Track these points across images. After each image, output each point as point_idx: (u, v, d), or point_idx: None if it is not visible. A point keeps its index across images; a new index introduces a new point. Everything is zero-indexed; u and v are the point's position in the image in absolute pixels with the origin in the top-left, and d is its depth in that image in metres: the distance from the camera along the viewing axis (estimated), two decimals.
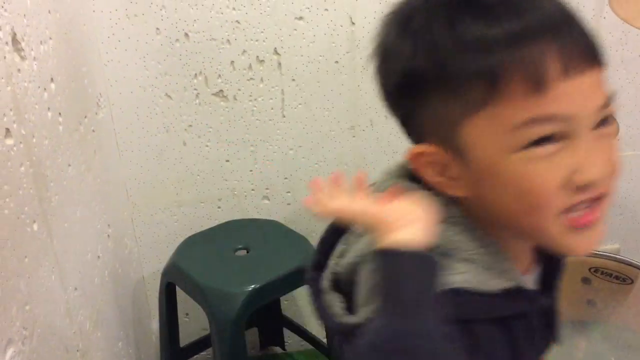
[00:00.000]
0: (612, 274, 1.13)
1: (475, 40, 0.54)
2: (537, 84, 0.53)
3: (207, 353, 1.83)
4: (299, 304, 1.88)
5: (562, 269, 0.69)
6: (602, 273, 1.15)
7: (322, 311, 0.64)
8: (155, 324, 1.76)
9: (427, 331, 0.52)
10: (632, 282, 1.11)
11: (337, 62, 1.60)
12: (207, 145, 1.66)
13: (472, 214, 0.61)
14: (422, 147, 0.60)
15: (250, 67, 1.58)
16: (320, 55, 1.59)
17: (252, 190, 1.73)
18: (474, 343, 0.57)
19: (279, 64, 1.59)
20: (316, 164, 1.69)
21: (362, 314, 0.59)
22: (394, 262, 0.54)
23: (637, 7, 1.06)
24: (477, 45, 0.54)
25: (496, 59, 0.53)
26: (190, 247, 1.59)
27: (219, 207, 1.74)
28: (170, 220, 1.73)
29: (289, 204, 1.75)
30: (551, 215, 0.56)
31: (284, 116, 1.65)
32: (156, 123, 1.61)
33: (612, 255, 1.15)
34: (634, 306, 1.15)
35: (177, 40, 1.53)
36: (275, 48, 1.57)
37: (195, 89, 1.59)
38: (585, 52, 0.55)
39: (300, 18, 1.54)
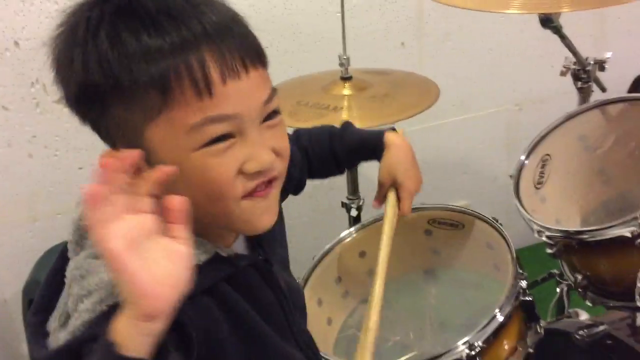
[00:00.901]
0: (447, 222, 1.25)
1: (140, 51, 0.58)
2: (203, 89, 0.59)
3: None
4: None
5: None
6: (439, 223, 1.27)
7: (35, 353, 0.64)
8: (25, 347, 1.69)
9: None
10: (464, 226, 1.23)
11: None
12: (55, 155, 1.61)
13: None
14: (112, 152, 0.62)
15: None
16: None
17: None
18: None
19: None
20: None
21: (69, 328, 0.60)
22: None
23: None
24: (142, 57, 0.58)
25: (162, 68, 0.58)
26: (50, 260, 1.53)
27: None
28: (26, 236, 1.66)
29: None
30: (232, 201, 0.63)
31: None
32: None
33: (444, 205, 1.27)
34: (470, 249, 1.27)
35: (6, 49, 1.47)
36: None
37: (34, 98, 1.53)
38: (242, 56, 0.61)
39: None
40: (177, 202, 0.54)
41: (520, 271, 1.06)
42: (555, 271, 1.48)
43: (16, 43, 1.47)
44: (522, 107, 2.06)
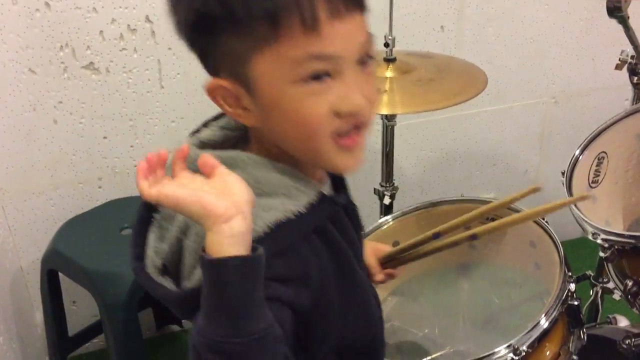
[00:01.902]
0: (489, 217, 1.20)
1: None
2: (310, 26, 0.61)
3: (99, 340, 1.76)
4: None
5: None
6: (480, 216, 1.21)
7: (159, 290, 0.67)
8: (39, 316, 1.66)
9: (251, 333, 0.58)
10: None
11: None
12: (80, 122, 1.56)
13: (265, 144, 0.70)
14: (217, 81, 0.66)
15: (121, 36, 1.50)
16: None
17: (135, 166, 1.65)
18: (306, 281, 0.66)
19: (153, 32, 1.52)
20: None
21: (195, 277, 0.63)
22: (219, 273, 0.58)
23: None
24: None
25: (274, 2, 0.61)
26: (71, 231, 1.51)
27: (99, 187, 1.65)
28: (47, 205, 1.62)
29: None
30: (323, 138, 0.66)
31: (163, 87, 1.58)
32: (21, 101, 1.49)
33: (484, 198, 1.22)
34: (510, 245, 1.23)
35: (37, 10, 1.42)
36: (147, 15, 1.50)
37: (62, 62, 1.48)
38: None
39: None
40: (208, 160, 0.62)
41: (569, 273, 1.02)
42: (590, 272, 1.43)
43: (47, 4, 1.42)
44: (558, 101, 2.00)
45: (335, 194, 0.77)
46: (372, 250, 0.98)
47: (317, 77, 0.64)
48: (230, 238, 0.58)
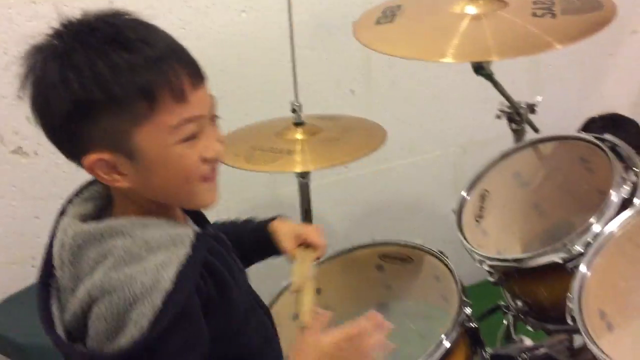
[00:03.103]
0: (398, 257, 1.31)
1: (127, 67, 0.73)
2: (180, 96, 0.75)
3: None
4: None
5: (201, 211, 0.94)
6: (390, 258, 1.33)
7: (80, 353, 0.78)
8: None
9: None
10: (413, 260, 1.30)
11: None
12: (12, 205, 1.62)
13: (133, 203, 0.82)
14: (97, 155, 0.76)
15: None
16: None
17: None
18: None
19: None
20: None
21: (122, 340, 0.74)
22: None
23: (375, 34, 1.28)
24: (129, 71, 0.73)
25: (146, 79, 0.73)
26: (5, 311, 1.53)
27: (32, 266, 1.69)
28: None
29: None
30: (196, 181, 0.81)
31: None
32: None
33: (394, 240, 1.33)
34: (419, 281, 1.34)
35: None
36: None
37: None
38: (197, 70, 0.79)
39: None
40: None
41: (465, 299, 1.13)
42: (502, 303, 1.55)
43: None
44: (466, 150, 2.17)
45: (203, 229, 0.89)
46: (289, 230, 1.07)
47: (191, 137, 0.78)
48: None
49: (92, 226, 0.79)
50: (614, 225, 1.07)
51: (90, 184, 0.88)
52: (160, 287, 0.74)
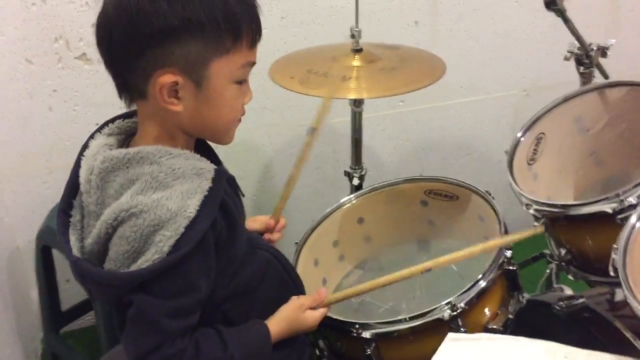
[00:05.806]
0: (444, 194, 1.30)
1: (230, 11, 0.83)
2: (253, 42, 0.87)
3: (90, 317, 1.86)
4: None
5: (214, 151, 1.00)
6: (435, 194, 1.32)
7: (103, 275, 0.84)
8: (34, 293, 1.77)
9: None
10: (459, 198, 1.28)
11: None
12: (74, 110, 1.68)
13: (166, 131, 0.88)
14: (171, 77, 0.82)
15: None
16: None
17: None
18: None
19: None
20: None
21: (142, 260, 0.80)
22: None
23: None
24: (224, 3, 0.82)
25: (239, 22, 0.84)
26: None
27: None
28: (42, 187, 1.73)
29: None
30: (235, 122, 0.91)
31: None
32: (18, 89, 1.60)
33: (441, 177, 1.32)
34: (463, 220, 1.33)
35: (33, 4, 1.53)
36: None
37: (56, 53, 1.60)
38: (260, 26, 0.88)
39: None
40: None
41: None
42: (547, 251, 1.53)
43: None
44: (529, 93, 2.10)
45: (221, 166, 0.94)
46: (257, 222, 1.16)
47: (242, 81, 0.88)
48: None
49: (122, 152, 0.83)
50: None
51: (110, 121, 0.94)
52: (185, 214, 0.79)
